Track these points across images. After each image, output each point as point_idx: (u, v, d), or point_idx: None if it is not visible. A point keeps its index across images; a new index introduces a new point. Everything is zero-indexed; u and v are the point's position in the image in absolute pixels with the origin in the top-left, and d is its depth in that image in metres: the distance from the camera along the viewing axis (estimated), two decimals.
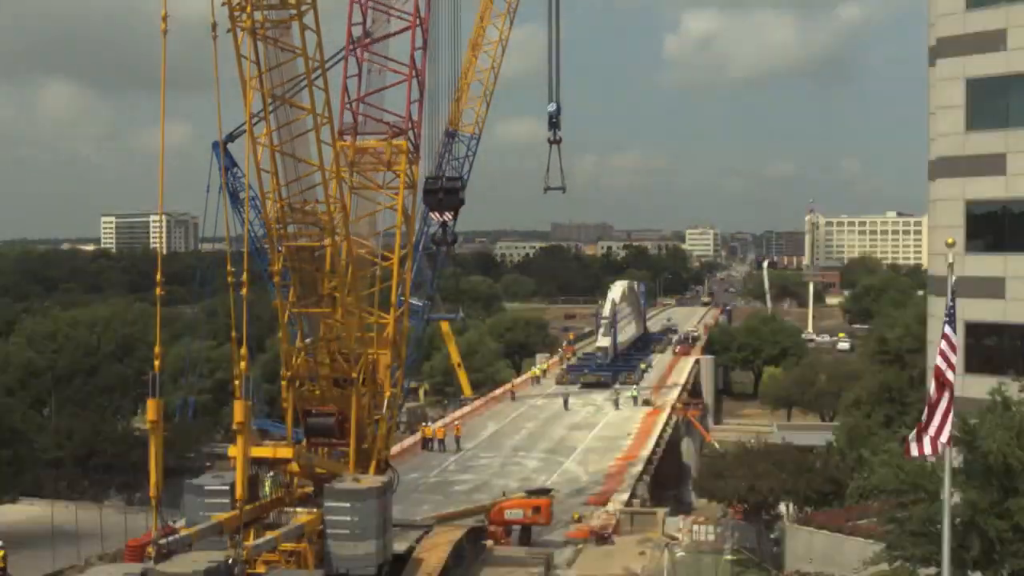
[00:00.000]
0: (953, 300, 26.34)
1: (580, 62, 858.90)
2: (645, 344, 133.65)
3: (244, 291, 33.39)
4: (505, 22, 61.17)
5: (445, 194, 48.16)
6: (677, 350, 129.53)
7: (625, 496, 57.94)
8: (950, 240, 31.95)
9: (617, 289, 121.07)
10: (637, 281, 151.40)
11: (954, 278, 26.68)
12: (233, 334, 33.33)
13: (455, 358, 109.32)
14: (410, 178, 42.10)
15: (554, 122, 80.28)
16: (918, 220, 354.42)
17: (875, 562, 32.95)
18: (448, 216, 48.37)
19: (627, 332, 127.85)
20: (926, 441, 25.45)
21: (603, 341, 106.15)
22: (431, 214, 50.51)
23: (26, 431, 55.00)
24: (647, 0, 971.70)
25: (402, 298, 42.89)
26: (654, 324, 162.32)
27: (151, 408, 28.98)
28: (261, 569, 33.23)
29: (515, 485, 58.36)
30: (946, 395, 25.24)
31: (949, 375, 25.30)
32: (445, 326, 79.71)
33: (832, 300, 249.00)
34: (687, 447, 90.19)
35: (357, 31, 41.36)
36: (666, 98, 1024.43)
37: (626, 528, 52.09)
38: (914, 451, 25.89)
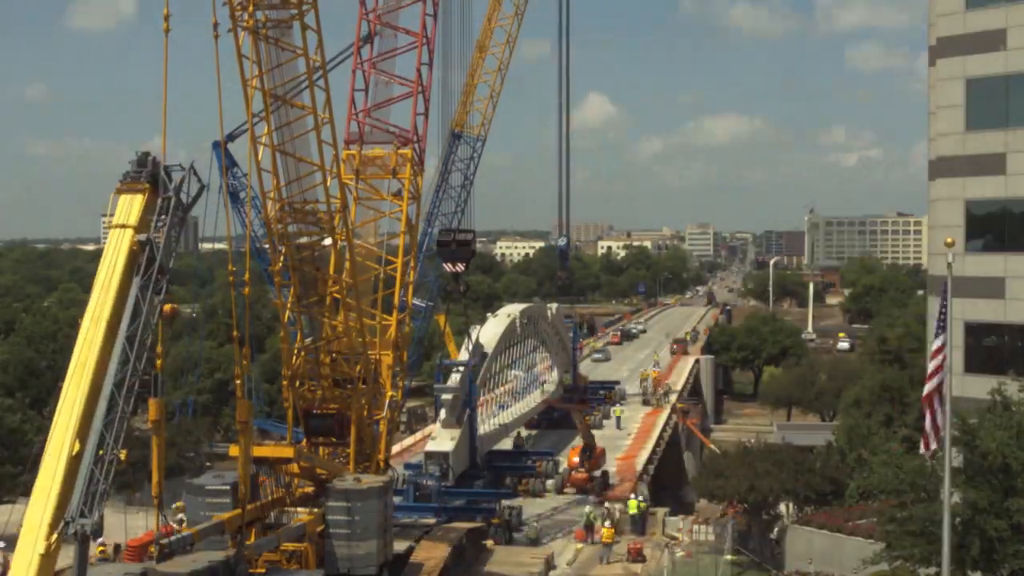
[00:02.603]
0: (947, 303, 26.48)
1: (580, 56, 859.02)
2: (568, 414, 75.58)
3: (246, 291, 33.46)
4: (513, 24, 61.31)
5: (458, 246, 48.48)
6: (675, 348, 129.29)
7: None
8: (949, 240, 31.99)
9: (496, 324, 66.96)
10: (555, 304, 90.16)
11: (951, 277, 26.78)
12: (235, 333, 33.36)
13: (454, 356, 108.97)
14: (414, 190, 42.71)
15: (564, 254, 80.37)
16: (918, 220, 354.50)
17: (875, 562, 33.01)
18: (460, 267, 48.54)
19: (526, 402, 73.64)
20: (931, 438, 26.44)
21: (442, 440, 54.85)
22: (444, 265, 50.55)
23: (26, 431, 54.95)
24: None
25: (404, 299, 43.08)
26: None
27: (153, 408, 29.05)
28: (262, 569, 33.28)
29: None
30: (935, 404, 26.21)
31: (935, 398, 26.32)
32: (445, 324, 79.34)
33: (832, 300, 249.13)
34: (687, 450, 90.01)
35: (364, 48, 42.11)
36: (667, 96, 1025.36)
37: (626, 528, 52.13)
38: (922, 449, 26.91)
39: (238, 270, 33.18)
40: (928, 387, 26.55)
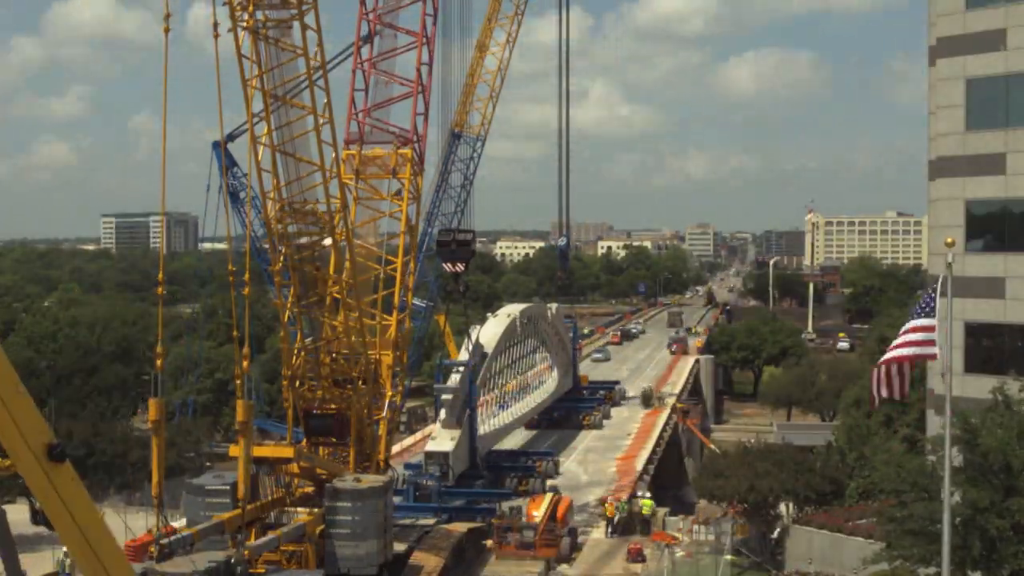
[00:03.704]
0: (935, 293, 26.49)
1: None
2: (568, 414, 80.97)
3: (246, 291, 33.48)
4: (513, 24, 61.37)
5: (458, 246, 48.41)
6: (674, 348, 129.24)
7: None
8: (949, 240, 31.97)
9: (496, 324, 67.07)
10: (555, 304, 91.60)
11: (951, 277, 26.76)
12: (235, 333, 33.38)
13: (454, 356, 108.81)
14: (414, 190, 42.68)
15: (564, 254, 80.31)
16: (918, 220, 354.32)
17: (875, 562, 32.98)
18: (460, 267, 48.40)
19: (526, 402, 73.79)
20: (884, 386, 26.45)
21: (442, 440, 54.76)
22: (444, 265, 50.48)
23: None
24: None
25: (404, 299, 43.09)
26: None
27: (153, 407, 29.07)
28: (262, 569, 33.29)
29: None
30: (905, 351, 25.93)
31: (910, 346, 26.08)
32: (445, 324, 79.03)
33: (832, 300, 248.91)
34: (687, 451, 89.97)
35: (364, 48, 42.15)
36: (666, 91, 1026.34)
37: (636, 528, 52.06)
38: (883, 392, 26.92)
39: (238, 270, 33.22)
40: (890, 354, 26.62)
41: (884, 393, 26.91)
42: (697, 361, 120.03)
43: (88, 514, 17.35)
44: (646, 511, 51.49)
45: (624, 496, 54.18)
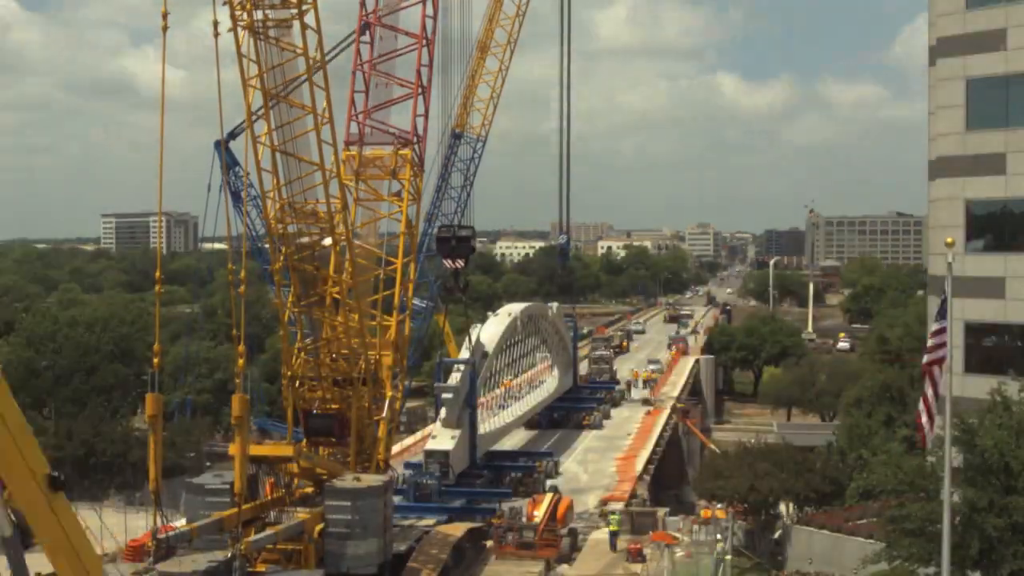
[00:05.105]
0: (948, 296, 26.53)
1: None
2: (568, 414, 79.92)
3: (242, 289, 33.48)
4: (514, 24, 61.42)
5: (458, 242, 48.29)
6: (674, 348, 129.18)
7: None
8: (949, 240, 31.97)
9: (496, 324, 66.00)
10: (555, 303, 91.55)
11: (951, 277, 26.78)
12: (234, 332, 33.40)
13: (454, 356, 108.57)
14: (414, 191, 42.68)
15: (564, 251, 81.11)
16: (918, 220, 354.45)
17: (875, 561, 32.98)
18: (460, 263, 48.27)
19: (524, 403, 73.29)
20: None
21: (442, 439, 54.56)
22: (444, 261, 50.35)
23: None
24: None
25: (404, 300, 43.07)
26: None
27: (150, 402, 29.13)
28: (262, 567, 33.30)
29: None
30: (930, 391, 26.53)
31: (935, 370, 26.35)
32: (445, 323, 78.69)
33: (832, 300, 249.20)
34: (687, 449, 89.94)
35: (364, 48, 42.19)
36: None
37: (626, 528, 52.03)
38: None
39: (237, 269, 33.24)
40: (928, 357, 26.69)
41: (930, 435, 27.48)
42: (697, 361, 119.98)
43: (80, 536, 18.55)
44: (613, 527, 47.76)
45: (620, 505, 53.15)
